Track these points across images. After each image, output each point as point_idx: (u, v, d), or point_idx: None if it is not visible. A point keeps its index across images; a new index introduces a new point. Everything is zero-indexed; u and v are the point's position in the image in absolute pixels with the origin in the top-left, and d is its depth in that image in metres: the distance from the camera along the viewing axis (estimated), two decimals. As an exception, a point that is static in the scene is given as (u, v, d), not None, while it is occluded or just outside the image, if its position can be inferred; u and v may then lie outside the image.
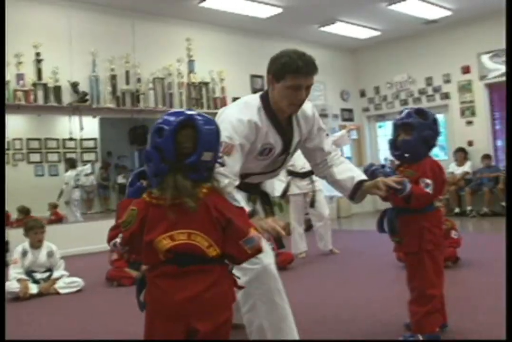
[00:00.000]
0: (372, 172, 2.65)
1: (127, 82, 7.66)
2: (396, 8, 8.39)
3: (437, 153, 10.50)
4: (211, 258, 1.65)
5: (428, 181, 2.61)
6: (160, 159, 1.69)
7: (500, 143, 9.52)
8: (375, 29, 9.59)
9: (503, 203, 8.53)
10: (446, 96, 9.87)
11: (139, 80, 7.75)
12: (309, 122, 2.63)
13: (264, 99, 2.46)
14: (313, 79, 2.40)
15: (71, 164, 7.98)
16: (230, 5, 7.79)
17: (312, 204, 5.75)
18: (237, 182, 2.30)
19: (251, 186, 2.64)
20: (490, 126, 9.44)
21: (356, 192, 2.60)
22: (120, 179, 10.13)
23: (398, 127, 2.76)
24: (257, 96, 2.52)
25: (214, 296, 1.65)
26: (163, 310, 1.65)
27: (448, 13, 8.79)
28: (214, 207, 1.66)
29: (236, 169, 2.29)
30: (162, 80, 8.01)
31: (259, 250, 1.69)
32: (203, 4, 7.67)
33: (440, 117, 10.28)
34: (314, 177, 5.56)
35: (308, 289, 4.29)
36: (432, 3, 8.34)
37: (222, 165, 1.90)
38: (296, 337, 2.30)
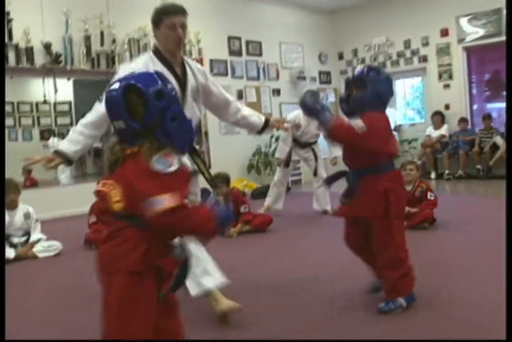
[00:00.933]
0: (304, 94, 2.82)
1: (102, 43, 7.48)
2: (375, -31, 8.26)
3: (413, 117, 10.57)
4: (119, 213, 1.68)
5: (360, 122, 2.58)
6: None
7: (476, 107, 9.58)
8: (354, -10, 9.46)
9: (478, 166, 8.64)
10: (424, 59, 9.85)
11: (114, 41, 7.56)
12: (202, 74, 2.96)
13: (155, 49, 2.85)
14: (186, 19, 2.76)
15: (51, 133, 7.89)
16: (206, -37, 7.59)
17: (315, 173, 6.07)
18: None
19: None
20: (467, 90, 9.48)
21: (265, 127, 3.13)
22: (96, 144, 10.02)
23: (352, 84, 2.74)
24: (149, 52, 2.90)
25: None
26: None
27: (428, -26, 8.69)
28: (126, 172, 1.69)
29: None
30: (138, 41, 7.84)
31: (171, 209, 1.57)
32: (179, -38, 7.44)
33: (418, 80, 10.30)
34: (314, 147, 6.09)
35: (286, 251, 4.33)
36: (412, -36, 8.23)
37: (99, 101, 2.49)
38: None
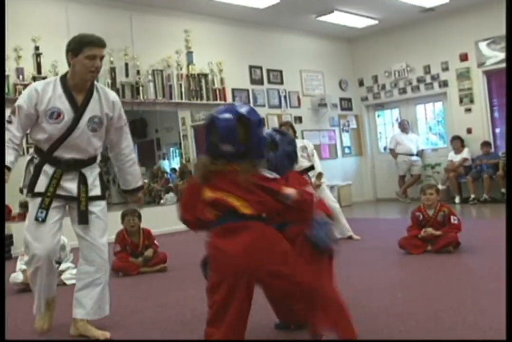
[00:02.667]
0: None
1: (127, 75, 7.69)
2: (394, -3, 8.40)
3: (436, 142, 10.56)
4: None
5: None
6: (207, 146, 2.18)
7: (499, 130, 9.55)
8: (372, 18, 9.59)
9: (503, 190, 8.58)
10: (444, 83, 9.88)
11: (138, 72, 7.77)
12: (110, 104, 3.02)
13: (63, 75, 2.97)
14: (104, 52, 2.91)
15: None
16: (227, -4, 7.80)
17: None
18: (19, 133, 2.88)
19: (60, 161, 2.98)
20: (488, 113, 9.47)
21: (134, 192, 3.36)
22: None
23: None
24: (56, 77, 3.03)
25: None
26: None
27: (445, 1, 8.80)
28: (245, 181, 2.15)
29: (18, 125, 2.88)
30: (161, 72, 8.04)
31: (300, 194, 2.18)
32: (199, -5, 7.69)
33: (438, 105, 10.33)
34: (311, 174, 5.70)
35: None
36: (430, -9, 8.35)
37: (9, 122, 2.86)
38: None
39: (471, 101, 9.57)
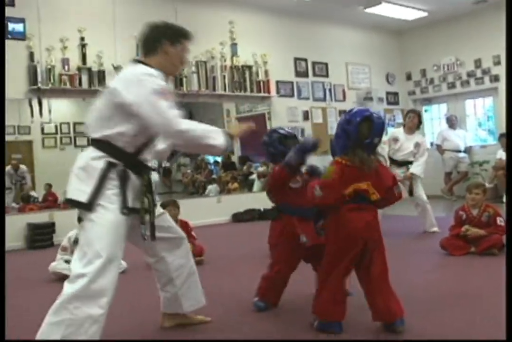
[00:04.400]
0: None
1: (171, 66, 7.68)
2: (444, -12, 8.14)
3: (485, 138, 10.25)
4: (373, 201, 2.70)
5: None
6: (346, 138, 2.67)
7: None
8: (422, 10, 9.33)
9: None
10: (496, 78, 9.56)
11: (182, 63, 7.75)
12: None
13: (146, 65, 2.54)
14: None
15: None
16: (273, -13, 7.71)
17: (411, 192, 5.92)
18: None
19: (145, 166, 2.60)
20: (541, 109, 9.11)
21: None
22: (165, 163, 10.24)
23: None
24: (136, 64, 2.57)
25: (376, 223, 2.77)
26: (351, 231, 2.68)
27: (499, -9, 8.49)
28: (378, 171, 2.72)
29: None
30: (205, 63, 8.02)
31: (401, 194, 2.83)
32: (247, -14, 7.62)
33: (489, 100, 10.01)
34: (410, 166, 5.98)
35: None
36: (483, -18, 8.07)
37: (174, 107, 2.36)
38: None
39: (524, 97, 9.22)
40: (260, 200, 8.21)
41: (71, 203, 2.40)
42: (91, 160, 2.40)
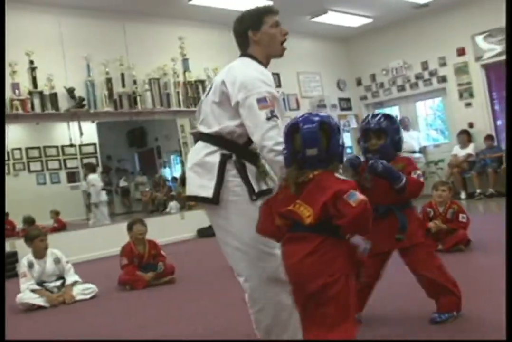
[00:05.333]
0: (372, 164, 2.74)
1: (123, 85, 7.63)
2: (387, -6, 8.35)
3: (437, 137, 10.50)
4: (312, 226, 2.00)
5: (419, 172, 2.79)
6: (289, 154, 2.14)
7: (500, 122, 9.49)
8: (367, 17, 9.53)
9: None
10: (443, 79, 9.82)
11: (135, 82, 7.71)
12: None
13: (250, 56, 2.47)
14: None
15: (91, 168, 8.00)
16: (220, 1, 7.73)
17: None
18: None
19: (257, 154, 2.45)
20: (489, 107, 9.40)
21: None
22: (122, 183, 10.14)
23: (371, 132, 2.84)
24: (244, 58, 2.50)
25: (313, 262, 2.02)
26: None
27: (439, -5, 8.76)
28: (318, 183, 2.05)
29: (279, 120, 2.30)
30: (158, 80, 7.98)
31: (364, 202, 1.92)
32: (193, 2, 7.62)
33: (438, 101, 10.27)
34: None
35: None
36: (423, -13, 8.31)
37: (278, 117, 2.24)
38: (300, 336, 2.24)
39: (471, 95, 9.50)
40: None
41: (195, 200, 2.39)
42: (205, 155, 2.38)
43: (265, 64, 2.48)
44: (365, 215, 1.93)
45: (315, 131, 2.08)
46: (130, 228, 4.97)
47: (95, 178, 7.94)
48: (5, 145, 6.22)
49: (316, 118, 2.12)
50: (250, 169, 2.38)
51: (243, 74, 2.34)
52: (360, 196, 1.93)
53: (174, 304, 4.00)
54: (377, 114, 2.88)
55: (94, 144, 8.29)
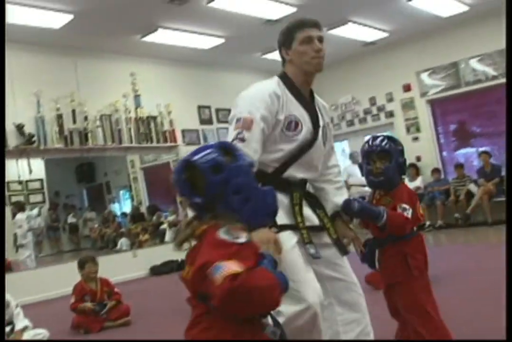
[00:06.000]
0: (346, 202, 2.55)
1: (74, 121, 7.53)
2: (335, 33, 8.57)
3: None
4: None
5: (405, 205, 2.55)
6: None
7: (446, 154, 9.78)
8: (316, 54, 9.76)
9: (456, 215, 8.73)
10: (390, 114, 10.10)
11: (86, 118, 7.62)
12: (327, 112, 2.54)
13: (282, 74, 2.42)
14: (322, 32, 2.37)
15: (20, 207, 7.70)
16: (172, 38, 7.80)
17: None
18: (256, 156, 2.16)
19: (292, 184, 2.36)
20: (435, 141, 9.69)
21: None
22: (70, 219, 9.91)
23: (374, 155, 2.72)
24: (274, 77, 2.47)
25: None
26: None
27: (385, 34, 9.06)
28: (201, 245, 1.58)
29: (255, 144, 2.19)
30: (110, 116, 7.92)
31: (232, 275, 1.39)
32: (145, 39, 7.65)
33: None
34: None
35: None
36: (369, 26, 8.58)
37: (242, 140, 2.11)
38: None
39: (418, 130, 9.79)
40: (177, 251, 8.09)
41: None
42: None
43: (301, 82, 2.40)
44: (237, 294, 1.39)
45: (179, 178, 1.66)
46: (81, 266, 4.82)
47: (22, 218, 7.58)
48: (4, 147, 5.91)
49: (185, 159, 1.69)
50: (280, 199, 2.16)
51: (245, 92, 2.35)
52: (226, 270, 1.40)
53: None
54: (379, 136, 2.72)
55: (41, 180, 8.10)
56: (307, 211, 2.38)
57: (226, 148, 1.69)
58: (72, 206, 10.17)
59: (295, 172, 2.35)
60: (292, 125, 2.31)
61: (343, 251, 2.44)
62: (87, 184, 10.13)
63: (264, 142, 2.25)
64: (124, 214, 9.84)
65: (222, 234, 1.52)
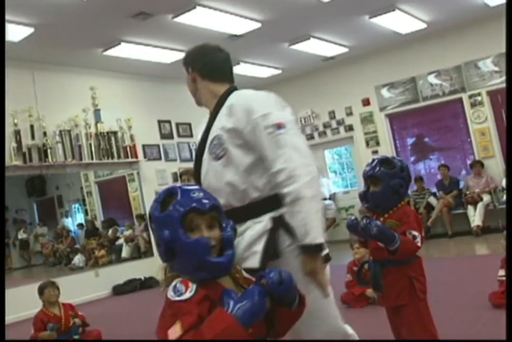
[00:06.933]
0: (365, 226, 2.49)
1: (33, 137, 7.26)
2: (296, 48, 8.61)
3: (347, 184, 10.80)
4: None
5: (415, 233, 2.54)
6: None
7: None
8: (276, 68, 9.79)
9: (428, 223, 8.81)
10: (350, 128, 10.18)
11: (45, 133, 7.36)
12: (227, 111, 2.10)
13: None
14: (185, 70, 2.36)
15: None
16: (134, 52, 7.64)
17: None
18: None
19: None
20: (394, 154, 9.81)
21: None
22: (21, 234, 9.59)
23: (367, 179, 2.73)
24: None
25: None
26: None
27: (345, 50, 9.15)
28: None
29: None
30: (69, 132, 7.68)
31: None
32: (107, 52, 7.48)
33: (345, 149, 10.62)
34: None
35: None
36: (330, 42, 8.65)
37: None
38: None
39: (377, 144, 9.90)
40: (140, 268, 7.91)
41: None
42: None
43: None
44: None
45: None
46: (41, 292, 4.60)
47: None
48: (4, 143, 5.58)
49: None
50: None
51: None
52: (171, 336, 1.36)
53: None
54: (374, 160, 2.73)
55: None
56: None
57: (171, 191, 1.54)
58: (22, 220, 9.85)
59: None
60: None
61: None
62: (38, 198, 9.82)
63: None
64: (80, 225, 9.57)
65: (169, 291, 1.44)
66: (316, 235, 1.86)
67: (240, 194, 2.02)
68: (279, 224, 1.97)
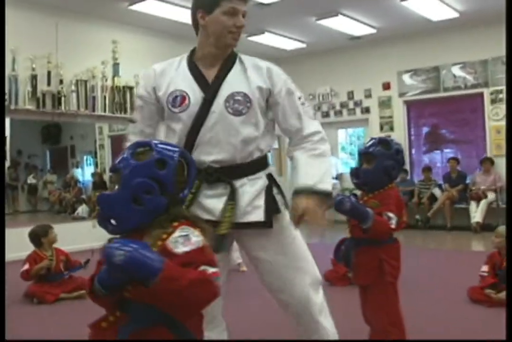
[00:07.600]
0: (339, 201, 2.50)
1: (49, 83, 7.29)
2: (324, 23, 8.51)
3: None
4: None
5: (391, 214, 2.56)
6: (160, 192, 1.52)
7: (415, 156, 9.89)
8: (300, 41, 9.70)
9: (417, 216, 8.88)
10: (366, 110, 10.12)
11: (61, 81, 7.39)
12: (264, 72, 2.19)
13: (192, 49, 2.25)
14: (246, 7, 2.13)
15: None
16: (159, 9, 7.62)
17: None
18: (142, 137, 2.13)
19: (202, 170, 2.07)
20: (407, 142, 9.77)
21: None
22: (30, 179, 9.72)
23: (362, 156, 2.75)
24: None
25: None
26: None
27: (372, 31, 9.02)
28: None
29: (139, 124, 2.24)
30: (86, 82, 7.70)
31: None
32: (132, 7, 7.45)
33: (360, 130, 10.58)
34: None
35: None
36: (358, 21, 8.54)
37: (132, 121, 2.20)
38: None
39: (391, 129, 9.85)
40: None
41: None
42: None
43: (206, 53, 2.18)
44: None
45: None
46: (45, 233, 4.68)
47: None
48: (5, 139, 5.68)
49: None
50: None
51: None
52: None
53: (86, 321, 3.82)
54: (374, 138, 2.77)
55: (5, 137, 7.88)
56: (215, 203, 2.08)
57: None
58: (33, 166, 9.99)
59: (201, 155, 2.09)
60: (178, 100, 2.12)
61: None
62: (52, 146, 9.93)
63: (158, 121, 2.25)
64: (93, 175, 9.64)
65: (173, 245, 1.48)
66: (329, 185, 2.19)
67: (246, 153, 2.15)
68: (273, 181, 2.20)
